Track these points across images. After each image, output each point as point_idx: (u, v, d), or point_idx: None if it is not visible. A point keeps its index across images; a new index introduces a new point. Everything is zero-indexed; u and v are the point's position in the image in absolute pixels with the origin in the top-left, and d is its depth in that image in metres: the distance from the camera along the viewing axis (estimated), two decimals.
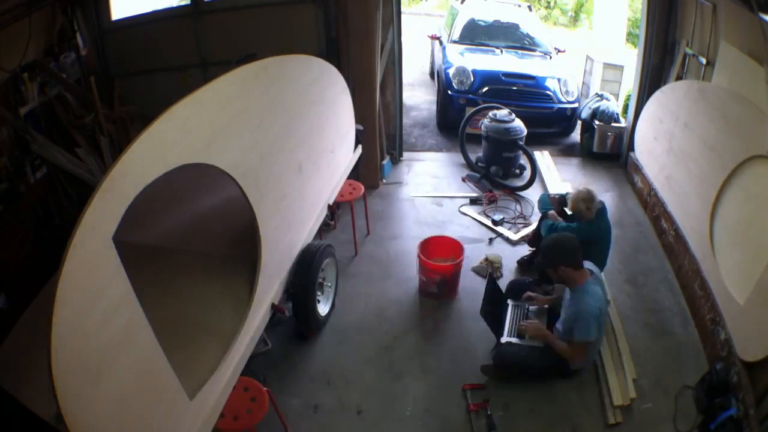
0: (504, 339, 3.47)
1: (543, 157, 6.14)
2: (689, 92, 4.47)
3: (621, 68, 7.15)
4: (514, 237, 4.81)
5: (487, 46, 7.36)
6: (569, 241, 3.25)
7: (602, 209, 3.87)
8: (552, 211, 4.11)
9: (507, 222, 5.08)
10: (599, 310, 3.16)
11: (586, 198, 3.77)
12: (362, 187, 4.57)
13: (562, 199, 4.15)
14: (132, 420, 1.94)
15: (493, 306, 3.61)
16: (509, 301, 3.73)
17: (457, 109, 6.53)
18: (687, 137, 4.38)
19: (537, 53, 7.33)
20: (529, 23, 7.88)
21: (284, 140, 3.05)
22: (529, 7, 8.61)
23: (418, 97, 8.33)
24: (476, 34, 7.53)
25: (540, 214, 4.31)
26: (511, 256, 4.58)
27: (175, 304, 2.75)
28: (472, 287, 4.25)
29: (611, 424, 3.16)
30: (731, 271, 3.47)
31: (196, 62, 5.48)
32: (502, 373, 3.42)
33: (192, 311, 2.75)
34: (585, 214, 3.80)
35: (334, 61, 4.98)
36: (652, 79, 5.55)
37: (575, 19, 13.76)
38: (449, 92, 6.62)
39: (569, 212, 4.11)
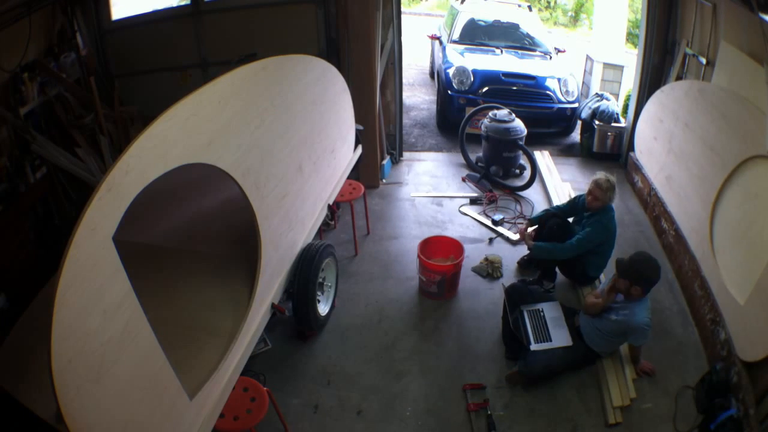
0: (533, 347, 3.41)
1: (543, 157, 6.14)
2: (689, 92, 4.47)
3: (621, 68, 7.15)
4: (514, 237, 4.80)
5: (487, 46, 7.36)
6: (658, 269, 3.25)
7: (610, 207, 3.87)
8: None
9: (507, 222, 5.08)
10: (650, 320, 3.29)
11: (605, 182, 3.79)
12: (362, 187, 4.57)
13: (556, 213, 4.18)
14: (132, 420, 1.94)
15: (516, 328, 3.56)
16: (522, 308, 3.67)
17: (457, 109, 6.53)
18: (687, 137, 4.38)
19: (537, 53, 7.33)
20: (529, 23, 7.88)
21: (284, 140, 3.05)
22: (529, 7, 8.62)
23: (418, 97, 8.33)
24: (476, 34, 7.53)
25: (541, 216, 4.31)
26: (511, 256, 4.58)
27: (175, 304, 2.76)
28: (472, 287, 4.26)
29: (611, 424, 3.16)
30: (731, 271, 3.47)
31: (196, 62, 5.48)
32: (531, 383, 3.39)
33: (192, 311, 2.76)
34: (592, 202, 3.82)
35: (334, 61, 4.99)
36: (652, 79, 5.55)
37: (575, 19, 13.77)
38: (449, 92, 6.62)
39: (570, 219, 4.15)
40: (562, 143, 6.90)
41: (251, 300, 2.77)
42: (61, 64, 4.61)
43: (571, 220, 4.17)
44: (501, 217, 5.08)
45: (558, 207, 4.28)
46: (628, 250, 4.65)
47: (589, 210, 3.90)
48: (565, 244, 3.85)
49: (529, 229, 4.13)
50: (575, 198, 4.17)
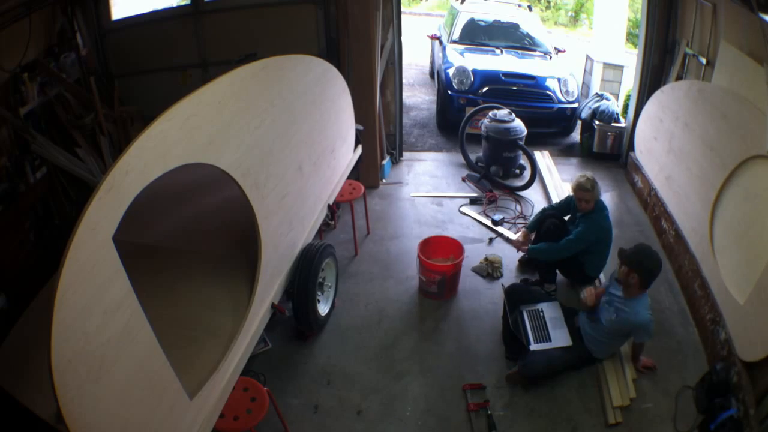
0: (533, 347, 3.41)
1: (543, 157, 6.14)
2: (689, 92, 4.47)
3: (621, 68, 7.15)
4: (514, 237, 4.79)
5: (487, 46, 7.36)
6: (659, 263, 3.23)
7: (603, 206, 3.87)
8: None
9: (507, 222, 5.08)
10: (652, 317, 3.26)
11: (587, 182, 3.77)
12: (362, 187, 4.57)
13: (553, 213, 4.17)
14: (132, 420, 1.94)
15: (515, 328, 3.56)
16: (522, 308, 3.66)
17: (457, 109, 6.53)
18: (687, 137, 4.39)
19: (537, 53, 7.33)
20: (529, 23, 7.88)
21: (284, 140, 3.05)
22: (529, 7, 8.62)
23: (418, 97, 8.33)
24: (476, 34, 7.54)
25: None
26: (511, 256, 4.58)
27: (175, 304, 2.76)
28: (472, 287, 4.25)
29: (611, 424, 3.16)
30: (731, 271, 3.47)
31: (196, 62, 5.49)
32: (531, 383, 3.38)
33: (192, 311, 2.76)
34: (584, 205, 3.80)
35: (334, 61, 4.99)
36: (652, 79, 5.55)
37: (575, 19, 13.77)
38: (449, 92, 6.62)
39: (566, 217, 4.14)
40: (562, 143, 6.90)
41: (251, 300, 2.77)
42: (61, 64, 4.62)
43: (568, 218, 4.16)
44: (501, 217, 5.09)
45: (553, 206, 4.27)
46: None
47: (581, 211, 3.90)
48: (558, 244, 3.87)
49: (518, 235, 4.18)
50: (569, 197, 4.15)
